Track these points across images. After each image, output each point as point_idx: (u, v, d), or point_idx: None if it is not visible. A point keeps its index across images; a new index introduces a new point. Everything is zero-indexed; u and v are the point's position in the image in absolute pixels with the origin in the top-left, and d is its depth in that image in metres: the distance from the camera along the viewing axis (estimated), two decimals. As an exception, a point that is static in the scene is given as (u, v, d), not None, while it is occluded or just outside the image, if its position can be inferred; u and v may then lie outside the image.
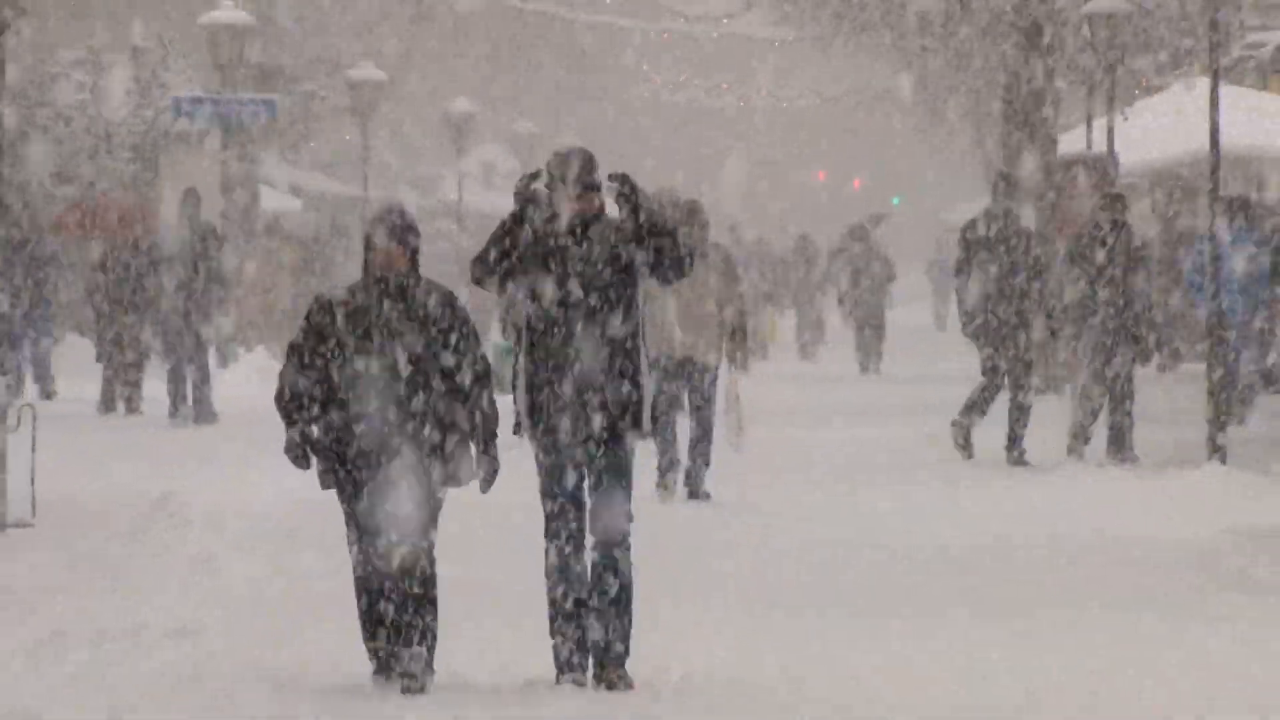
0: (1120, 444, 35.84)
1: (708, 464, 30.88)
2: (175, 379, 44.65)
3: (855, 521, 28.97)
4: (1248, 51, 46.96)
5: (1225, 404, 35.18)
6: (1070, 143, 53.46)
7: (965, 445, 36.46)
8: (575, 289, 17.40)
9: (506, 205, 64.25)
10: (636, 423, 17.34)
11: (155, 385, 47.50)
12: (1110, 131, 49.76)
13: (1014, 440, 36.27)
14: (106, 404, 46.15)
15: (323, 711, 16.78)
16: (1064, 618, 21.89)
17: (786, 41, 77.72)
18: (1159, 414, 40.43)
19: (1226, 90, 38.40)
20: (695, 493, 30.61)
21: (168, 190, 60.18)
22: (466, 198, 74.31)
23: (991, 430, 39.41)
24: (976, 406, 36.48)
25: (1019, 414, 36.31)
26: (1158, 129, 51.05)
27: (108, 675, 18.56)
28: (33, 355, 47.35)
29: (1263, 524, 27.88)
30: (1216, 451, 33.34)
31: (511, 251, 17.38)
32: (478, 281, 17.56)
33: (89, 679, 18.39)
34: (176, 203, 47.01)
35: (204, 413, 44.06)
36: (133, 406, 46.53)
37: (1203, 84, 40.20)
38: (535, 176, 17.57)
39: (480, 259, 17.52)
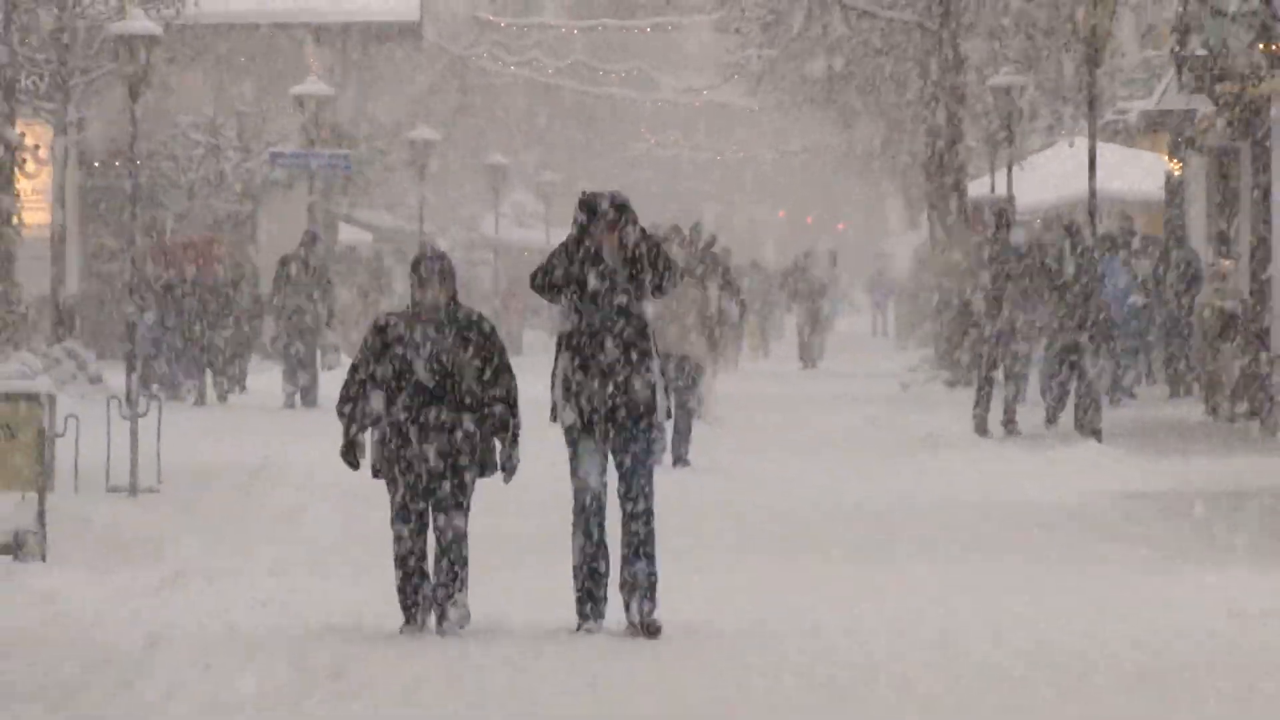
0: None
1: (688, 438, 30.85)
2: (291, 375, 44.68)
3: (810, 486, 28.89)
4: (1117, 116, 46.74)
5: (1105, 393, 35.23)
6: (977, 188, 53.33)
7: (985, 430, 36.34)
8: (604, 303, 16.94)
9: (534, 239, 64.72)
10: (653, 412, 17.02)
11: (266, 379, 47.58)
12: (1010, 179, 49.72)
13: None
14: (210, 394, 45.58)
15: (386, 639, 16.76)
16: (976, 562, 21.95)
17: (754, 110, 77.44)
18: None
19: (1102, 147, 38.30)
20: (678, 460, 30.55)
21: (265, 224, 60.24)
22: (501, 233, 74.19)
23: (920, 417, 39.35)
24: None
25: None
26: (1048, 177, 51.02)
27: (218, 605, 18.60)
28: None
29: (1129, 489, 27.86)
30: (1093, 433, 33.38)
31: (568, 266, 16.92)
32: (539, 290, 17.19)
33: (203, 608, 18.44)
34: (295, 239, 47.45)
35: (310, 400, 44.05)
36: (220, 396, 45.75)
37: (1081, 142, 40.13)
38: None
39: (542, 272, 17.10)
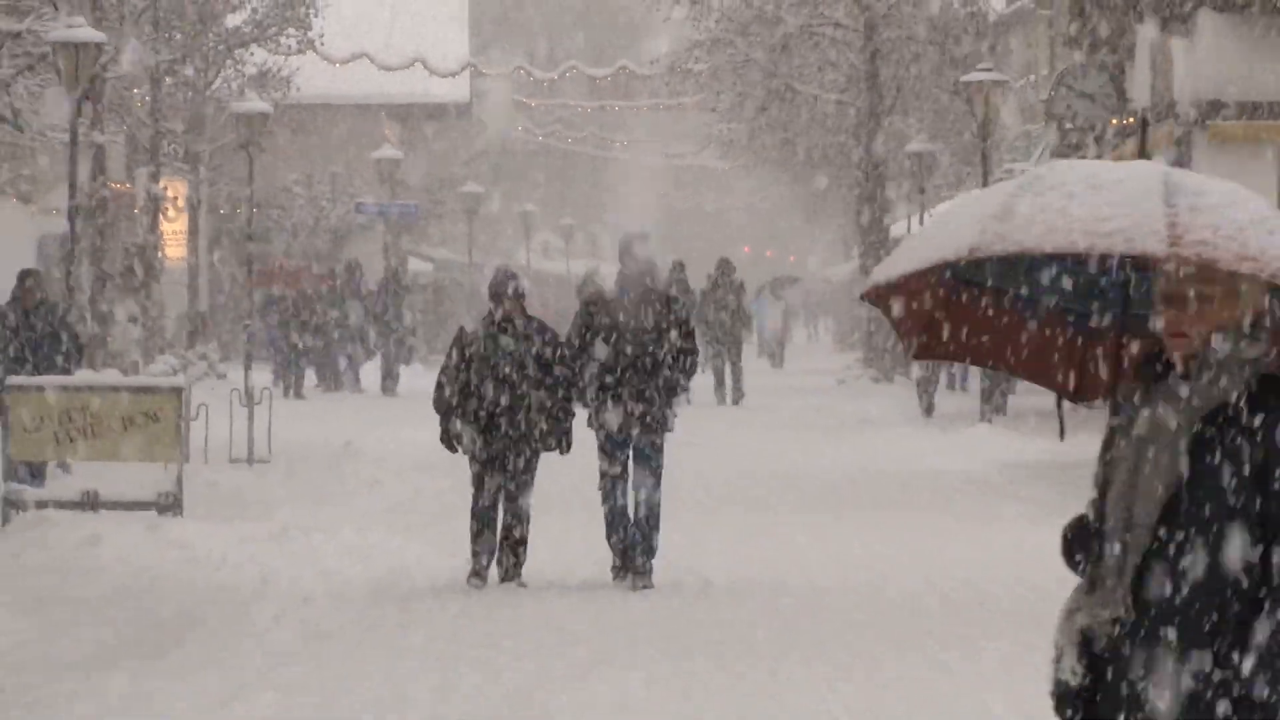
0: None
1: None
2: (386, 370, 44.62)
3: (767, 457, 28.88)
4: (1003, 175, 46.63)
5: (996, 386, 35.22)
6: (897, 229, 53.30)
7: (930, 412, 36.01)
8: (628, 339, 16.42)
9: (556, 268, 64.19)
10: (664, 425, 16.50)
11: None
12: (923, 221, 49.70)
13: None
14: (303, 387, 45.15)
15: (442, 582, 16.68)
16: (900, 516, 21.98)
17: (725, 169, 77.34)
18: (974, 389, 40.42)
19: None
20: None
21: (352, 256, 60.26)
22: (531, 264, 74.21)
23: (854, 405, 39.28)
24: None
25: None
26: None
27: (314, 552, 18.54)
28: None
29: (1018, 461, 27.85)
30: (985, 417, 33.41)
31: (585, 332, 16.39)
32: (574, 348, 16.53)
33: (302, 554, 18.37)
34: (375, 271, 47.55)
35: (390, 389, 43.86)
36: (297, 391, 44.13)
37: (974, 194, 40.02)
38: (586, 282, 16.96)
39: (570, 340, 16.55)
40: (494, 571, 16.59)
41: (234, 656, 13.82)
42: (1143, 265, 5.38)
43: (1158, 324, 5.29)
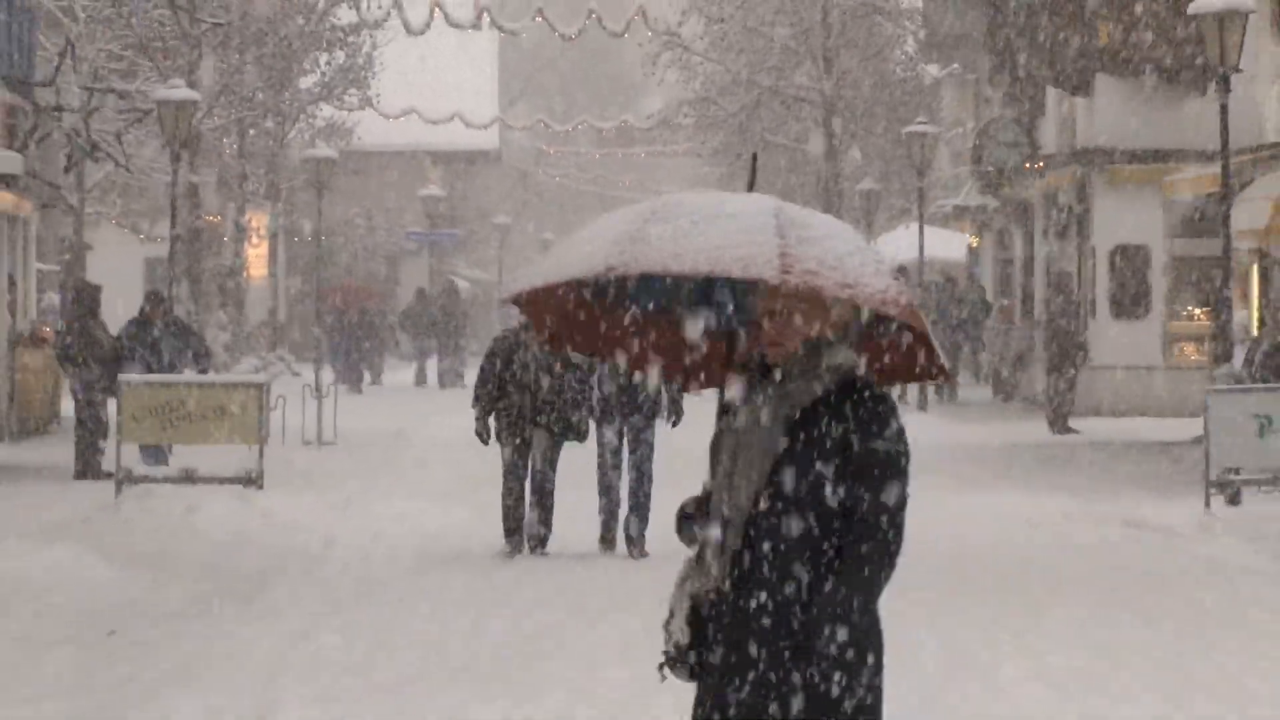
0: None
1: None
2: (448, 367, 44.45)
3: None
4: (937, 209, 46.68)
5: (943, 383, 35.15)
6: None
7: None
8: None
9: None
10: (655, 416, 16.17)
11: (398, 375, 47.37)
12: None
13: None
14: (354, 385, 44.40)
15: (480, 546, 16.69)
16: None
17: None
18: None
19: (928, 229, 38.24)
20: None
21: (401, 278, 60.17)
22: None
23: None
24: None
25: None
26: (896, 247, 50.83)
27: (372, 520, 18.56)
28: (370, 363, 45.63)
29: (946, 443, 27.81)
30: (922, 406, 33.42)
31: None
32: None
33: (362, 521, 18.40)
34: (437, 286, 47.25)
35: (453, 382, 43.57)
36: (355, 386, 42.90)
37: (914, 226, 40.10)
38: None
39: None
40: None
41: (305, 602, 13.87)
42: (749, 284, 5.24)
43: (760, 334, 5.21)
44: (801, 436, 5.12)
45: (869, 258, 5.07)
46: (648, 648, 12.03)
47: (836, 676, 5.08)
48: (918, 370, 5.36)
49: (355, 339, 44.13)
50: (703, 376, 5.59)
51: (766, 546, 5.11)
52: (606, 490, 16.28)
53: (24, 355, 27.39)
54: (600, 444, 16.28)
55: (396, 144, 59.43)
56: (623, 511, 16.34)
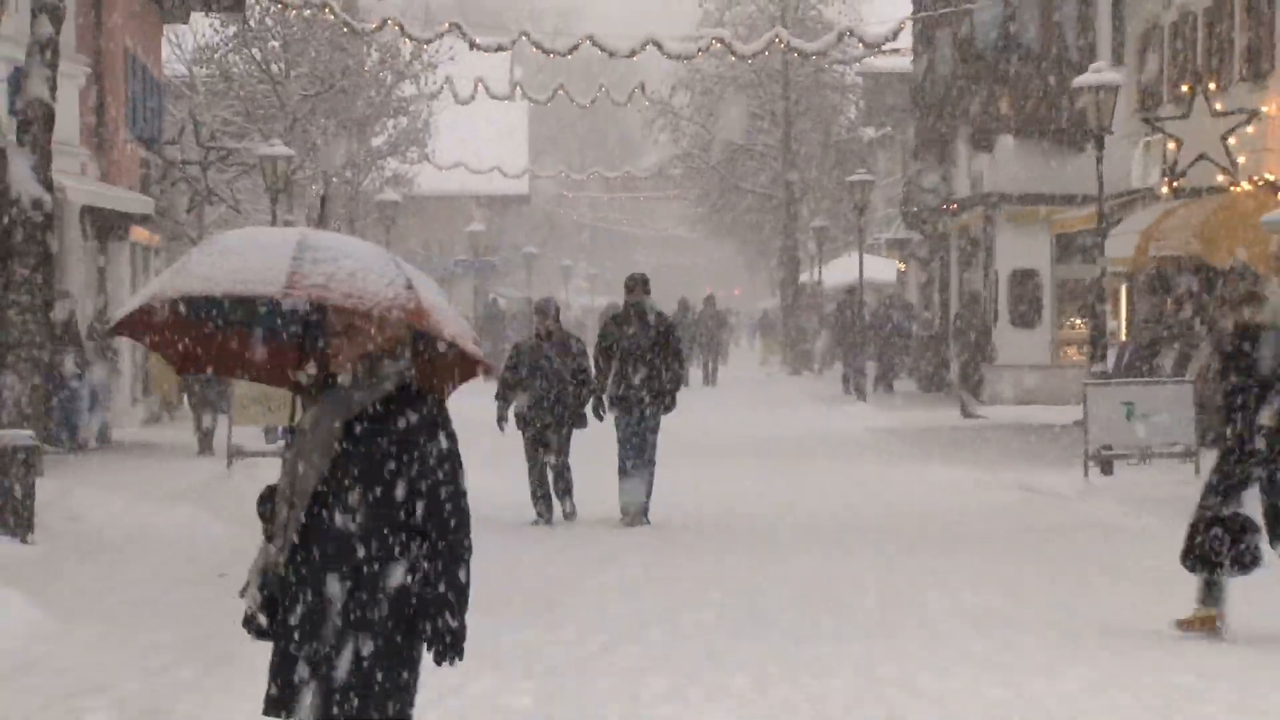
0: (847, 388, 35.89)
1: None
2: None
3: (720, 424, 28.76)
4: (873, 241, 46.59)
5: (874, 378, 35.10)
6: (804, 277, 53.14)
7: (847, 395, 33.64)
8: (635, 346, 15.17)
9: (584, 302, 62.75)
10: (663, 408, 15.30)
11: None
12: (821, 272, 49.74)
13: None
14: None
15: (516, 519, 16.61)
16: (810, 463, 21.86)
17: (693, 237, 77.22)
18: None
19: (867, 257, 38.15)
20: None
21: (452, 297, 60.06)
22: (569, 298, 74.10)
23: (778, 390, 39.02)
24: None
25: None
26: (842, 272, 50.46)
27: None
28: None
29: (879, 426, 27.82)
30: (863, 397, 33.38)
31: (612, 346, 15.26)
32: (601, 354, 15.44)
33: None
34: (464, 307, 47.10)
35: (492, 375, 43.23)
36: None
37: (855, 255, 40.03)
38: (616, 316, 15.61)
39: (599, 349, 15.49)
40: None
41: (376, 552, 13.81)
42: (321, 308, 4.95)
43: (326, 348, 4.98)
44: (359, 436, 4.89)
45: (383, 273, 4.78)
46: (645, 589, 12.01)
47: (384, 644, 4.89)
48: (464, 372, 5.11)
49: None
50: (292, 383, 5.25)
51: (325, 530, 4.90)
52: (625, 471, 15.57)
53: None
54: (622, 431, 15.46)
55: (448, 190, 59.45)
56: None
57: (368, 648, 4.86)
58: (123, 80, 26.21)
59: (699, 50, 34.90)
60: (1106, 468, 18.61)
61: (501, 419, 15.53)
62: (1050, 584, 12.09)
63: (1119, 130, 23.85)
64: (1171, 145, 24.38)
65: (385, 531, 4.92)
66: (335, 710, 4.85)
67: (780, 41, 34.23)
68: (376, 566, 4.89)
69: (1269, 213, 21.78)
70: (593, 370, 15.52)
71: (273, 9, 35.63)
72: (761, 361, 57.01)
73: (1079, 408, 20.08)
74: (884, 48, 34.03)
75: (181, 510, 15.36)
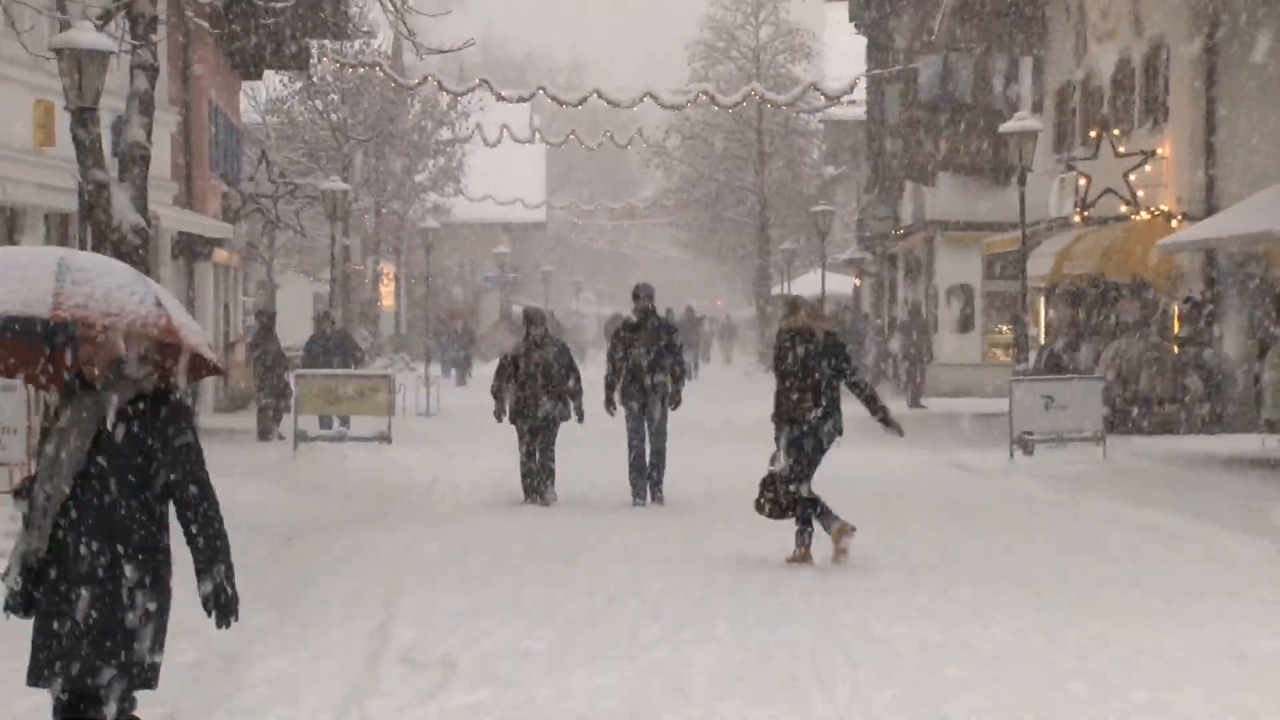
0: None
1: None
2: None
3: (708, 414, 28.71)
4: (834, 260, 46.56)
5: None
6: (776, 291, 53.11)
7: None
8: (642, 349, 14.32)
9: (593, 311, 62.34)
10: (670, 404, 14.58)
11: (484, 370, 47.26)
12: (789, 286, 49.64)
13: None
14: (459, 377, 44.29)
15: (518, 500, 16.60)
16: (770, 447, 21.77)
17: (683, 257, 76.96)
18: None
19: (829, 274, 38.07)
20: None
21: (481, 306, 59.95)
22: (580, 309, 73.98)
23: (755, 386, 38.87)
24: None
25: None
26: (807, 287, 50.50)
27: (460, 466, 18.44)
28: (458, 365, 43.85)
29: (845, 415, 27.64)
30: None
31: (624, 355, 14.39)
32: (612, 358, 14.45)
33: (455, 465, 18.30)
34: (494, 316, 46.84)
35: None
36: (461, 380, 41.59)
37: (819, 272, 39.91)
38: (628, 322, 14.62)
39: (610, 356, 14.61)
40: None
41: (417, 520, 13.75)
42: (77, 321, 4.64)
43: (79, 354, 4.70)
44: (111, 432, 4.68)
45: (137, 291, 4.54)
46: (643, 553, 12.01)
47: (139, 615, 4.71)
48: (203, 371, 4.86)
49: (459, 345, 44.04)
50: (53, 380, 4.98)
51: (79, 517, 4.70)
52: (636, 471, 14.72)
53: (231, 355, 27.40)
54: (634, 421, 14.57)
55: (478, 218, 59.41)
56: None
57: (125, 618, 4.64)
58: (207, 126, 26.28)
59: (688, 101, 35.03)
60: (1028, 449, 18.62)
61: (499, 413, 14.88)
62: (980, 545, 12.09)
63: (1038, 168, 23.87)
64: (1082, 181, 24.43)
65: (139, 516, 4.71)
66: (90, 679, 4.63)
67: (755, 94, 34.37)
68: (131, 548, 4.69)
69: (1163, 237, 21.79)
70: (578, 369, 14.87)
71: (332, 68, 35.70)
72: (726, 361, 57.00)
73: (1005, 400, 20.08)
74: (842, 100, 34.13)
75: (255, 485, 15.38)
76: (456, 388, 37.94)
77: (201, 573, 4.77)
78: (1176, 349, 22.57)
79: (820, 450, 11.39)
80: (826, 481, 17.50)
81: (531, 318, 14.95)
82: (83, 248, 15.50)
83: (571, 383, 14.73)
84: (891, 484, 16.69)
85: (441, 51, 16.83)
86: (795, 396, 11.34)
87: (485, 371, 45.88)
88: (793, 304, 11.75)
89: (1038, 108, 28.38)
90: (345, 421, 20.82)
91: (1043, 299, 28.36)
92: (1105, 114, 25.40)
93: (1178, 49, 23.08)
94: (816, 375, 11.31)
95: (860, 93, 35.27)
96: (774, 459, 11.43)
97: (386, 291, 51.49)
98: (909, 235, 35.63)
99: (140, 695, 7.60)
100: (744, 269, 61.41)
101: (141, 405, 4.71)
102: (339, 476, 17.12)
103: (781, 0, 50.36)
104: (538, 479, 14.87)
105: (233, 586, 4.80)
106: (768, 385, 43.16)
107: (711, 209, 53.11)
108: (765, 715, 6.63)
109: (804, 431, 11.33)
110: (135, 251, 14.57)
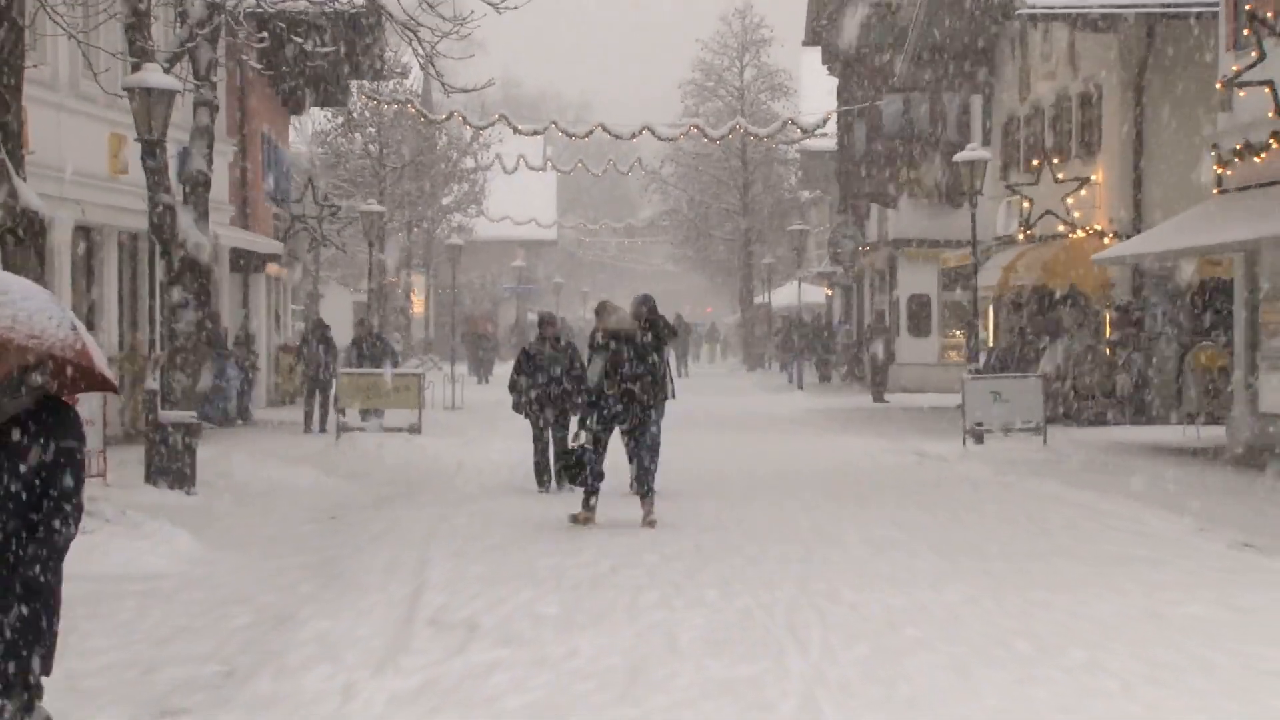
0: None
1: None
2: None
3: (701, 406, 28.62)
4: (808, 274, 46.49)
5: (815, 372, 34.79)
6: (759, 299, 53.02)
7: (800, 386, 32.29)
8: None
9: (590, 315, 60.95)
10: (660, 400, 12.87)
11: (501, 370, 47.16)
12: (770, 296, 49.55)
13: None
14: (482, 377, 43.98)
15: (527, 492, 16.53)
16: (772, 433, 21.68)
17: (677, 271, 76.73)
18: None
19: (804, 285, 37.99)
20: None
21: (500, 314, 59.84)
22: (586, 315, 73.91)
23: (739, 382, 38.81)
24: None
25: None
26: (785, 296, 50.37)
27: (481, 452, 18.38)
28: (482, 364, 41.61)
29: (812, 408, 27.72)
30: (800, 387, 33.22)
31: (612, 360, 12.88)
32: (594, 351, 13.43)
33: (478, 453, 18.22)
34: (529, 316, 46.58)
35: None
36: (484, 379, 40.47)
37: (795, 284, 39.85)
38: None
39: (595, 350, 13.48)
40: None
41: (444, 499, 13.70)
42: None
43: None
44: (8, 438, 4.17)
45: (53, 314, 4.15)
46: (641, 529, 12.02)
47: (19, 623, 3.90)
48: (92, 383, 4.27)
49: (482, 347, 43.99)
50: None
51: None
52: (636, 456, 14.04)
53: (281, 357, 27.40)
54: (601, 416, 13.88)
55: (498, 236, 59.43)
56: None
57: (7, 628, 3.89)
58: (260, 155, 26.31)
59: (681, 134, 35.15)
60: (978, 439, 18.62)
61: (516, 406, 14.47)
62: (936, 522, 12.09)
63: (988, 192, 23.89)
64: (1025, 204, 24.46)
65: (22, 518, 4.12)
66: None
67: (740, 128, 34.41)
68: (18, 550, 4.02)
69: (1097, 253, 21.83)
70: (586, 365, 13.81)
71: (370, 105, 35.77)
72: (710, 360, 57.04)
73: (959, 395, 20.07)
74: (816, 132, 34.18)
75: (303, 470, 15.38)
76: (478, 385, 37.85)
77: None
78: (1108, 350, 22.67)
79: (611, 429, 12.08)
80: (800, 467, 17.60)
81: (544, 320, 14.86)
82: (152, 263, 15.56)
83: (578, 379, 14.18)
84: (858, 469, 16.68)
85: (465, 90, 16.84)
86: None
87: (503, 371, 45.94)
88: (603, 304, 12.36)
89: (987, 139, 28.41)
90: (380, 414, 20.81)
91: (992, 306, 28.40)
92: (1046, 145, 25.42)
93: (1109, 87, 23.14)
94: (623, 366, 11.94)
95: (832, 126, 35.32)
96: (577, 436, 12.10)
97: (417, 301, 51.44)
98: (874, 251, 35.65)
99: (198, 652, 7.64)
100: (730, 281, 61.40)
101: (35, 412, 4.13)
102: (376, 462, 17.09)
103: (763, 45, 50.41)
104: (548, 471, 14.59)
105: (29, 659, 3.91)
106: (750, 382, 42.49)
107: (701, 228, 53.14)
108: (749, 670, 6.63)
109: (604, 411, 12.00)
110: (195, 265, 14.61)
